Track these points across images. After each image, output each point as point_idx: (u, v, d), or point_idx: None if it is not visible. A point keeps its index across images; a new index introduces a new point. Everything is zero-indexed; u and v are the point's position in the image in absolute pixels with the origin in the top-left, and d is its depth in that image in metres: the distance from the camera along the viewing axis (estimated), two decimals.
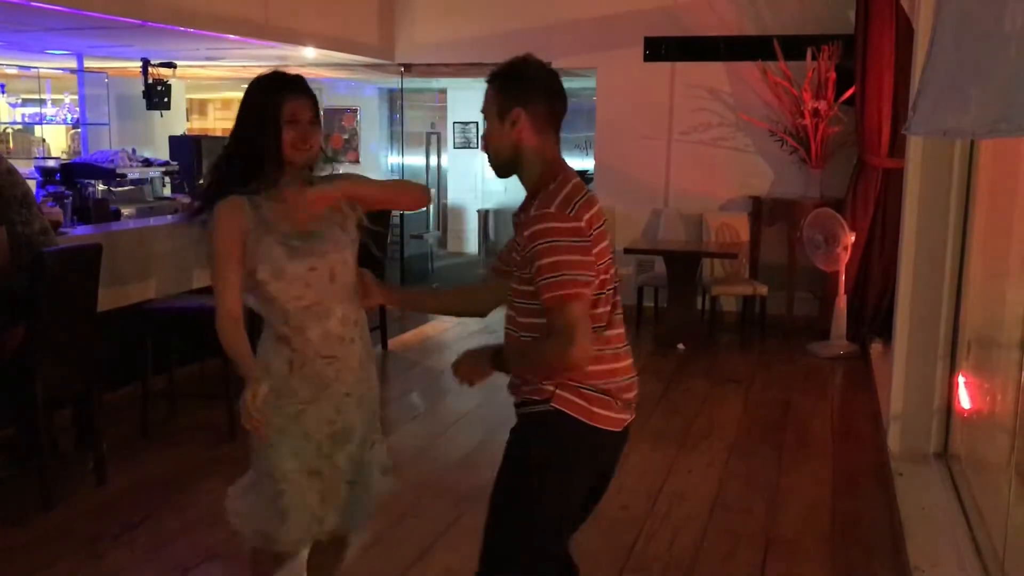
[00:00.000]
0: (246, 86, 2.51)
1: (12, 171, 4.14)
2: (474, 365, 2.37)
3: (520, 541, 2.26)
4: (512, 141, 2.24)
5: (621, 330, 2.31)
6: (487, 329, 7.69)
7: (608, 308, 2.24)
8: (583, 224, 2.13)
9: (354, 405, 2.57)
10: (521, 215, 2.25)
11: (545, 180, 2.23)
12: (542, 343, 2.18)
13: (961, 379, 4.18)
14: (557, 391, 2.22)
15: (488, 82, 2.28)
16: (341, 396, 2.54)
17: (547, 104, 2.25)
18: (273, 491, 2.50)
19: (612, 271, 2.25)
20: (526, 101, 2.22)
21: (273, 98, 2.41)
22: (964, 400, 4.15)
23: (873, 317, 7.01)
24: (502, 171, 2.32)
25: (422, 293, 2.44)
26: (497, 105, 2.24)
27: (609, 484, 2.45)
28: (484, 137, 2.31)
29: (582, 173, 10.36)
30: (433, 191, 11.98)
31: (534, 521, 2.25)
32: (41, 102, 10.61)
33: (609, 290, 2.23)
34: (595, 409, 2.23)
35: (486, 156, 2.32)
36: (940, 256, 4.23)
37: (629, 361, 2.34)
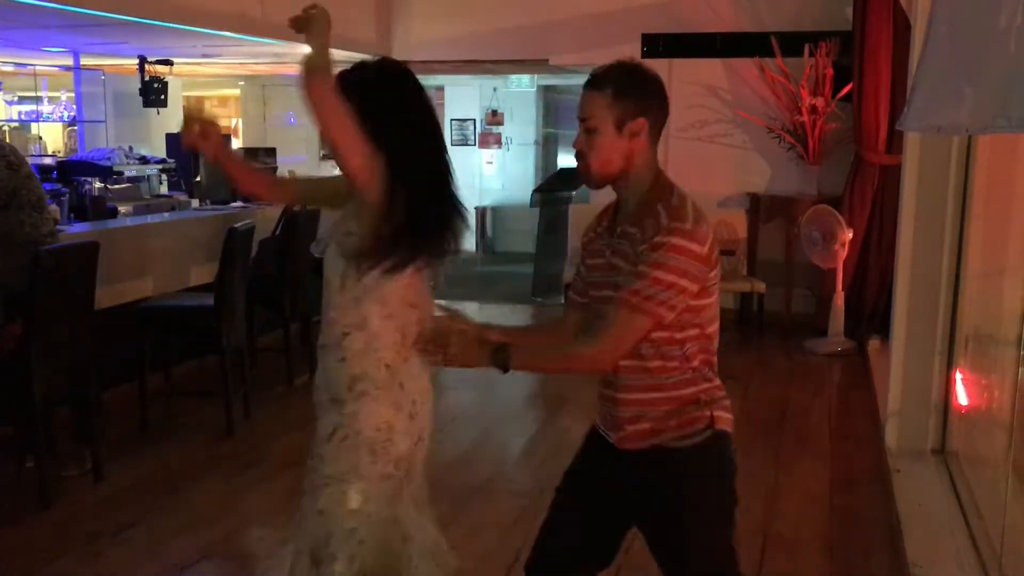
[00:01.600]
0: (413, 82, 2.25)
1: (31, 176, 4.25)
2: (468, 354, 2.18)
3: None
4: (626, 152, 2.09)
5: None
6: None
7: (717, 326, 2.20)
8: (706, 250, 2.03)
9: None
10: (627, 228, 2.11)
11: (661, 192, 2.10)
12: (575, 341, 2.17)
13: (958, 376, 4.18)
14: (715, 413, 2.21)
15: (596, 88, 2.09)
16: None
17: (663, 114, 2.14)
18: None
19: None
20: (648, 111, 2.09)
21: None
22: (961, 397, 4.16)
23: (871, 314, 7.01)
24: (602, 183, 2.14)
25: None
26: (615, 114, 2.06)
27: None
28: (587, 146, 2.10)
29: None
30: None
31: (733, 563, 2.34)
32: (38, 99, 10.60)
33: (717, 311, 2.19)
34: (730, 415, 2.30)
35: (581, 166, 2.13)
36: (937, 252, 4.23)
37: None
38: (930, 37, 2.15)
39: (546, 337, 2.46)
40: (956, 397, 4.20)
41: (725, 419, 2.25)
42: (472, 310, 8.46)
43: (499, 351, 2.15)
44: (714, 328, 2.17)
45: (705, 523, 2.24)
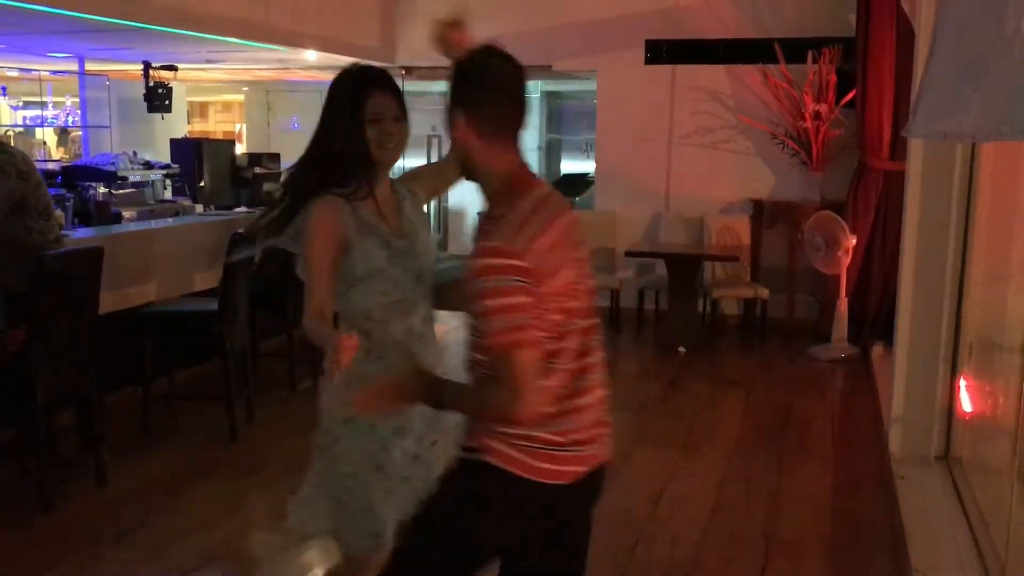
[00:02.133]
0: (333, 81, 2.38)
1: (40, 184, 4.27)
2: (392, 395, 2.03)
3: None
4: (459, 147, 1.99)
5: (594, 366, 2.01)
6: None
7: (576, 344, 1.94)
8: (526, 263, 1.81)
9: None
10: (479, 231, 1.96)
11: (498, 200, 1.94)
12: (488, 389, 1.88)
13: (962, 382, 4.18)
14: (492, 443, 1.92)
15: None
16: None
17: (496, 107, 1.93)
18: (340, 488, 2.42)
19: (585, 299, 1.97)
20: (466, 102, 1.94)
21: (357, 95, 2.31)
22: (965, 403, 4.15)
23: (874, 320, 7.01)
24: (466, 175, 2.06)
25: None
26: (447, 104, 1.99)
27: (587, 540, 2.17)
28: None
29: (582, 176, 10.42)
30: None
31: None
32: (42, 105, 10.64)
33: (576, 324, 1.93)
34: (542, 464, 1.91)
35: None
36: (941, 259, 4.23)
37: (595, 399, 2.01)
38: (935, 44, 2.15)
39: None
40: (960, 403, 4.19)
41: (504, 455, 1.91)
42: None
43: (432, 389, 1.99)
44: (557, 347, 1.90)
45: (442, 529, 2.00)
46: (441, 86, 11.95)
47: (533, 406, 1.83)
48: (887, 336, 5.97)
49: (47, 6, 5.33)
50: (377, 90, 2.32)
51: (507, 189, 1.95)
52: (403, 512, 2.34)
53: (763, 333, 7.59)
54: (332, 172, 2.34)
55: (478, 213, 2.34)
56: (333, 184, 2.33)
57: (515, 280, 1.80)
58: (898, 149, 6.63)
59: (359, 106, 2.30)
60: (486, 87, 1.94)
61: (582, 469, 1.97)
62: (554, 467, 1.92)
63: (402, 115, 2.37)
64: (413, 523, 2.09)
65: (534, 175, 2.03)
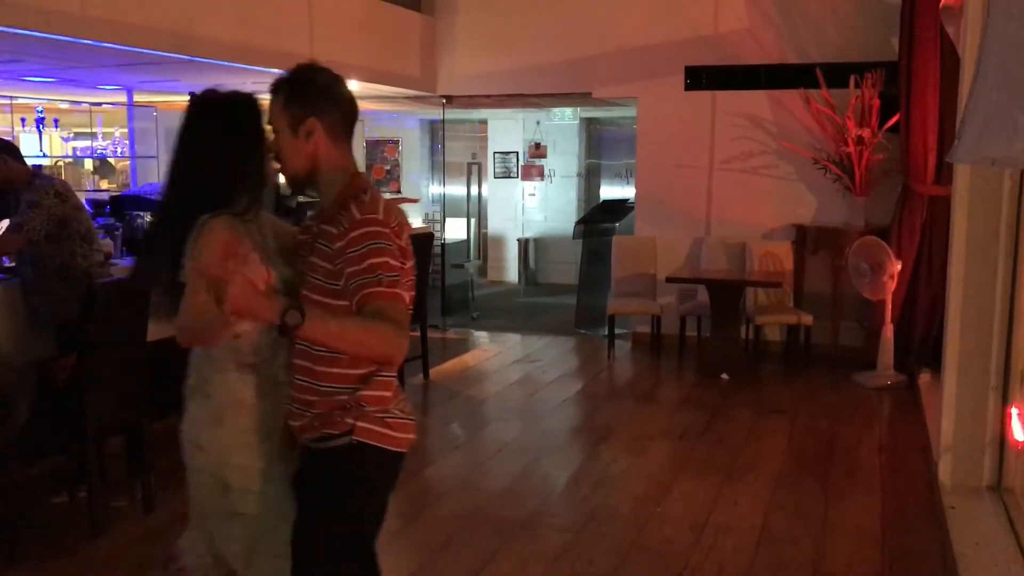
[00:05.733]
0: (191, 102, 2.36)
1: (80, 208, 4.39)
2: (252, 302, 2.00)
3: None
4: (307, 153, 2.14)
5: None
6: (529, 358, 7.69)
7: None
8: (402, 242, 2.15)
9: None
10: (323, 227, 2.14)
11: (353, 191, 2.15)
12: (382, 322, 2.04)
13: (1014, 410, 4.09)
14: (358, 423, 2.16)
15: (273, 93, 2.16)
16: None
17: (339, 112, 2.17)
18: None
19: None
20: (316, 111, 2.13)
21: (256, 116, 2.29)
22: (1018, 432, 4.06)
23: (921, 347, 6.89)
24: (299, 185, 2.20)
25: None
26: (288, 117, 2.13)
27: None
28: (277, 151, 2.17)
29: (622, 202, 10.40)
30: (474, 220, 12.04)
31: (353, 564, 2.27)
32: (92, 135, 10.88)
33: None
34: (397, 434, 2.21)
35: (281, 170, 2.21)
36: (990, 284, 4.16)
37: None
38: (981, 67, 2.13)
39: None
40: (1012, 432, 4.10)
41: (374, 432, 2.18)
42: (515, 341, 8.47)
43: (294, 307, 2.01)
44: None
45: (325, 522, 2.22)
46: (481, 114, 12.06)
47: (405, 349, 2.11)
48: (934, 363, 5.87)
49: (100, 40, 5.47)
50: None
51: (359, 183, 2.18)
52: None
53: (807, 360, 7.50)
54: (224, 191, 2.26)
55: (309, 216, 2.45)
56: (221, 205, 2.25)
57: (390, 246, 2.08)
58: (943, 173, 6.55)
59: (262, 130, 2.28)
60: (326, 95, 2.16)
61: (415, 436, 2.29)
62: (406, 435, 2.24)
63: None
64: (303, 527, 2.23)
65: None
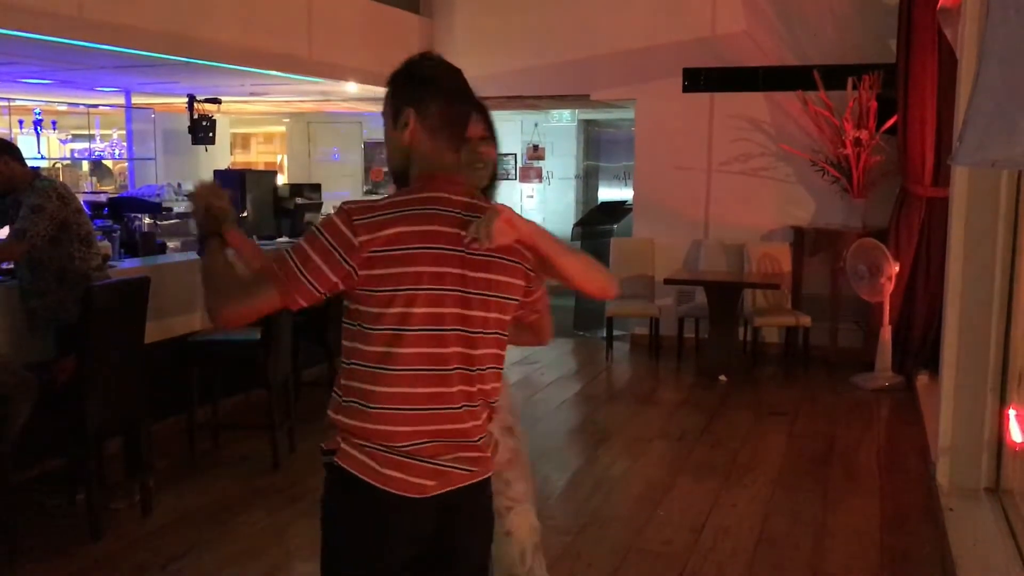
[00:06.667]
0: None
1: (80, 211, 4.40)
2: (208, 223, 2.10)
3: None
4: (404, 145, 1.96)
5: (430, 388, 1.88)
6: (527, 360, 7.69)
7: (407, 350, 1.85)
8: (360, 238, 1.82)
9: None
10: None
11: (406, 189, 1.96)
12: (239, 283, 1.96)
13: (1012, 412, 4.09)
14: (342, 444, 1.91)
15: (387, 84, 2.04)
16: None
17: (442, 104, 1.94)
18: None
19: (424, 306, 1.85)
20: (417, 100, 1.94)
21: None
22: (1016, 434, 4.06)
23: (919, 348, 6.90)
24: (397, 178, 2.03)
25: None
26: (391, 108, 1.99)
27: (457, 558, 1.98)
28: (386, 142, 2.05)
29: (620, 203, 10.41)
30: None
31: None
32: (90, 138, 10.88)
33: (413, 330, 1.85)
34: (388, 472, 1.86)
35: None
36: (988, 286, 4.16)
37: (434, 424, 1.89)
38: (981, 69, 2.13)
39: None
40: (1010, 434, 4.10)
41: (355, 460, 1.89)
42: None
43: (219, 239, 2.07)
44: (385, 351, 1.85)
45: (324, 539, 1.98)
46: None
47: (231, 317, 1.91)
48: (932, 364, 5.88)
49: (98, 43, 5.47)
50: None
51: (421, 180, 1.94)
52: None
53: (805, 362, 7.50)
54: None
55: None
56: None
57: (330, 242, 1.83)
58: (941, 175, 6.56)
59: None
60: (431, 86, 1.95)
61: (431, 482, 1.93)
62: (401, 476, 1.89)
63: (488, 136, 2.27)
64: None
65: (455, 186, 1.94)
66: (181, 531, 4.20)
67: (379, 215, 1.84)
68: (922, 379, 6.46)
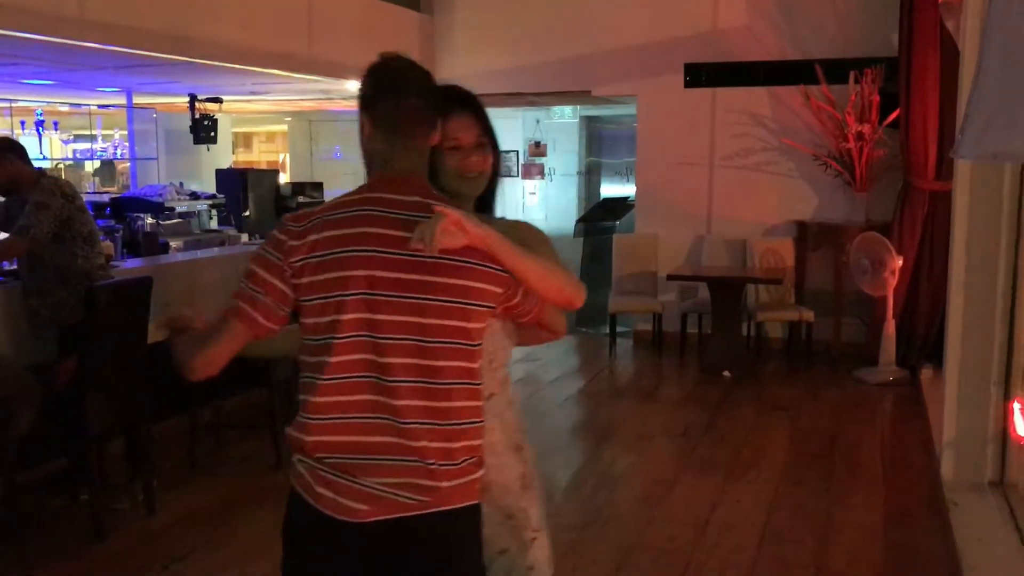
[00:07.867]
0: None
1: (84, 209, 4.40)
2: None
3: None
4: (365, 149, 1.91)
5: (362, 396, 1.74)
6: (530, 356, 7.69)
7: (337, 359, 1.74)
8: (290, 243, 1.78)
9: None
10: None
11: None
12: (203, 332, 1.94)
13: (1016, 405, 4.08)
14: (292, 459, 1.85)
15: None
16: None
17: (392, 103, 1.87)
18: None
19: (354, 312, 1.73)
20: (369, 103, 1.89)
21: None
22: (1020, 427, 4.05)
23: (923, 342, 6.89)
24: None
25: None
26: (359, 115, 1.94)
27: None
28: None
29: (623, 199, 10.40)
30: None
31: None
32: (92, 138, 10.88)
33: (342, 337, 1.73)
34: (320, 489, 1.77)
35: None
36: (991, 279, 4.15)
37: (374, 437, 1.74)
38: (983, 63, 2.12)
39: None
40: (1014, 427, 4.09)
41: (297, 474, 1.83)
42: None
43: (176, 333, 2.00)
44: (319, 361, 1.76)
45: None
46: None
47: (198, 366, 1.91)
48: (936, 358, 5.86)
49: (98, 43, 5.47)
50: (457, 111, 2.06)
51: (367, 183, 1.89)
52: None
53: (809, 356, 7.49)
54: None
55: None
56: None
57: (269, 253, 1.81)
58: (944, 169, 6.54)
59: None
60: (374, 87, 1.91)
61: (359, 506, 1.80)
62: (329, 494, 1.79)
63: (486, 141, 2.07)
64: None
65: (405, 186, 1.84)
66: (184, 531, 4.20)
67: (308, 222, 1.79)
68: (926, 373, 6.44)
